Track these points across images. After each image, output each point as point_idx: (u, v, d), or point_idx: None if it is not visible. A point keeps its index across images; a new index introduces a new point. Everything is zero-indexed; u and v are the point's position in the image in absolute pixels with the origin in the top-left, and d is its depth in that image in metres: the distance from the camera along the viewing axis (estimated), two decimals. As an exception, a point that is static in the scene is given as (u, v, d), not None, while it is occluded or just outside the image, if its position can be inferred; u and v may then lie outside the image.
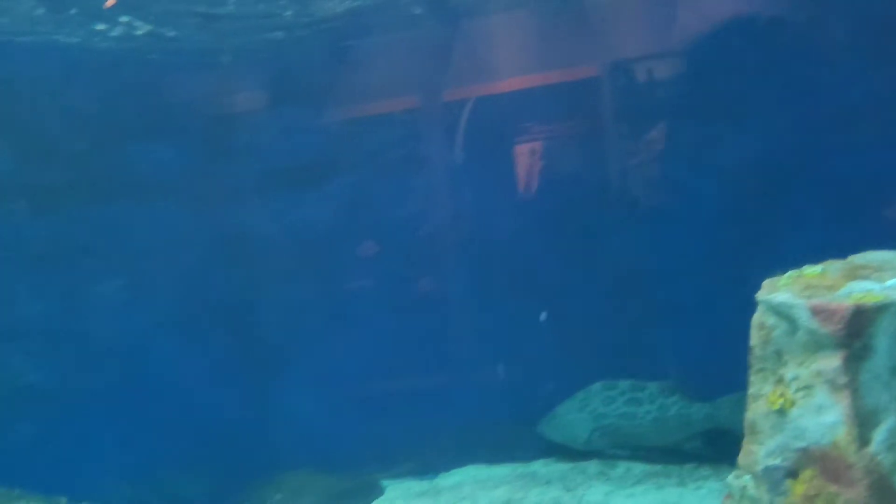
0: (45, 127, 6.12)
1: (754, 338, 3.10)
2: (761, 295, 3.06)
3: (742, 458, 3.15)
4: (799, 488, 2.81)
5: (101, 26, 5.84)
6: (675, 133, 6.67)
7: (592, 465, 6.53)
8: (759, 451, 3.01)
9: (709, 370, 6.22)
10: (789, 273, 3.16)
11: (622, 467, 6.37)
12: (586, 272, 7.07)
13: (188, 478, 6.39)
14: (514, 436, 7.20)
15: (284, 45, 6.84)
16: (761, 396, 3.03)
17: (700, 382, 6.29)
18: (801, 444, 2.83)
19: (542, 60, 7.08)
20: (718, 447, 6.09)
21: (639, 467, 6.29)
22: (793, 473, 2.88)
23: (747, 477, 3.12)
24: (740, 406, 5.89)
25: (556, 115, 7.34)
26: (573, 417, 6.65)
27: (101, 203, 6.43)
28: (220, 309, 7.08)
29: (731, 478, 3.22)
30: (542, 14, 6.93)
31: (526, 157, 7.59)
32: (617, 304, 6.98)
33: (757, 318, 3.10)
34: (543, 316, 7.06)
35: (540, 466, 6.79)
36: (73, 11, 5.38)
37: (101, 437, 6.11)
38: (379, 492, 6.65)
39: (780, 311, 2.93)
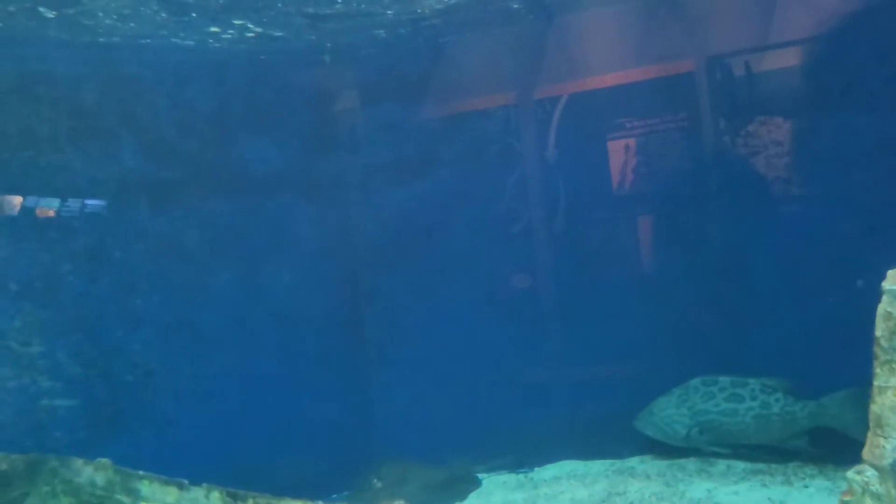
0: (163, 125, 6.45)
1: (880, 328, 3.04)
2: (888, 284, 2.99)
3: (867, 453, 3.09)
4: (931, 483, 2.75)
5: (215, 28, 6.12)
6: (781, 124, 6.52)
7: (691, 463, 6.45)
8: (886, 445, 2.96)
9: (814, 367, 6.07)
10: (915, 262, 3.08)
11: (722, 465, 6.27)
12: (687, 266, 6.99)
13: (292, 465, 6.62)
14: (609, 432, 7.17)
15: (386, 42, 7.01)
16: (888, 388, 2.97)
17: (804, 379, 6.14)
18: (933, 437, 2.77)
19: (640, 55, 7.02)
20: (823, 446, 5.94)
21: (740, 465, 6.18)
22: (924, 468, 2.82)
23: (871, 472, 3.06)
24: (848, 404, 5.79)
25: (656, 109, 7.27)
26: (671, 413, 6.57)
27: (215, 198, 6.72)
28: (328, 302, 7.31)
29: (851, 473, 3.16)
30: (639, 8, 6.88)
31: (625, 152, 7.54)
32: (718, 298, 6.87)
33: (883, 307, 3.04)
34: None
35: (636, 463, 6.74)
36: (192, 15, 5.68)
37: (213, 422, 6.40)
38: (476, 484, 6.72)
39: (911, 301, 2.86)
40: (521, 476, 6.92)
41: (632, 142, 7.56)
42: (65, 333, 5.73)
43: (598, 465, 6.83)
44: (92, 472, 5.02)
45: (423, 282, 7.57)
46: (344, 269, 7.47)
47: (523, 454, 7.31)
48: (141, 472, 4.75)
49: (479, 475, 6.99)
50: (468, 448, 7.20)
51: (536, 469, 7.12)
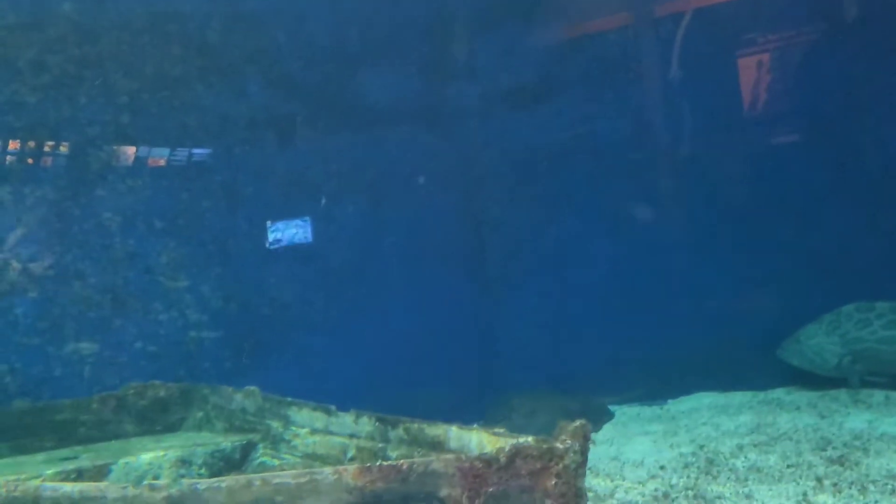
0: (286, 60, 6.42)
1: None
2: None
3: None
4: None
5: (333, -41, 5.99)
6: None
7: (843, 394, 6.10)
8: None
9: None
10: None
11: (880, 395, 5.90)
12: (836, 184, 6.51)
13: (423, 395, 6.66)
14: (748, 363, 6.87)
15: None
16: None
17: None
18: None
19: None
20: None
21: (900, 395, 5.80)
22: None
23: None
24: None
25: (793, 20, 6.74)
26: (820, 342, 6.21)
27: (337, 131, 6.69)
28: (450, 232, 7.24)
29: None
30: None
31: (757, 69, 7.06)
32: (873, 219, 6.39)
33: None
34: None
35: (781, 394, 6.44)
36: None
37: (345, 353, 6.47)
38: (609, 416, 6.59)
39: None
40: (654, 408, 6.74)
41: (766, 57, 7.06)
42: (206, 268, 5.87)
43: (738, 397, 6.56)
44: (242, 399, 5.15)
45: (547, 210, 7.37)
46: (465, 200, 7.34)
47: (655, 386, 7.12)
48: (289, 399, 4.83)
49: (612, 407, 6.86)
50: (598, 380, 7.07)
51: (670, 401, 6.92)
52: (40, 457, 4.32)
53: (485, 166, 7.46)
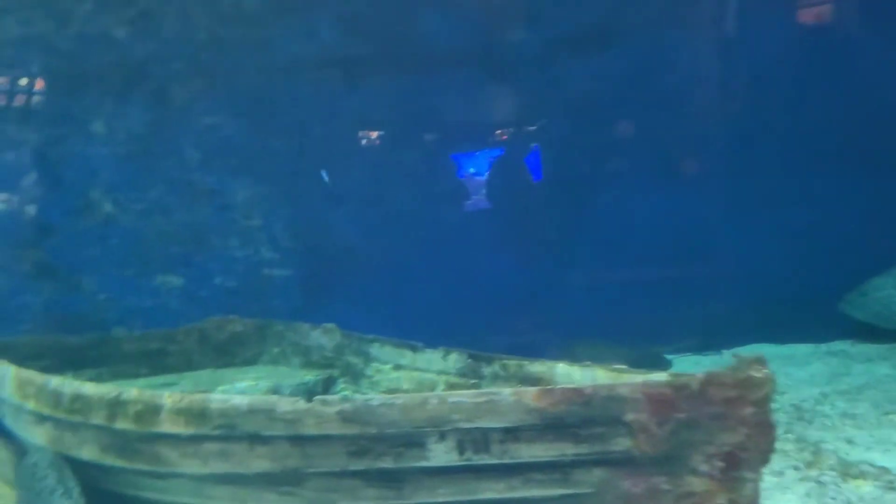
0: (356, 1, 6.38)
1: None
2: None
3: None
4: None
5: None
6: None
7: (914, 347, 6.09)
8: None
9: None
10: None
11: (954, 349, 5.89)
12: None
13: (485, 342, 6.72)
14: (806, 315, 6.86)
15: None
16: None
17: None
18: None
19: None
20: None
21: (978, 350, 5.80)
22: None
23: None
24: None
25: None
26: (890, 294, 6.19)
27: (402, 74, 6.66)
28: (509, 179, 7.24)
29: None
30: None
31: (818, 17, 6.93)
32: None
33: None
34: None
35: (846, 346, 6.43)
36: None
37: (409, 295, 6.55)
38: (666, 365, 6.63)
39: None
40: (713, 357, 6.78)
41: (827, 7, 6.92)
42: (278, 207, 5.94)
43: (801, 349, 6.57)
44: (319, 336, 5.25)
45: (608, 158, 7.34)
46: (522, 148, 7.32)
47: (711, 337, 7.15)
48: (370, 336, 4.92)
49: (668, 356, 6.90)
50: (653, 330, 7.10)
51: (724, 352, 6.95)
52: (140, 383, 4.46)
53: (545, 112, 7.41)
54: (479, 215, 7.01)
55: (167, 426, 2.71)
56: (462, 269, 6.75)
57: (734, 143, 7.25)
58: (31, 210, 4.84)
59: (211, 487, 2.66)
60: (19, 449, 3.56)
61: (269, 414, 2.44)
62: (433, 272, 6.61)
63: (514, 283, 7.13)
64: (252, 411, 2.47)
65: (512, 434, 2.06)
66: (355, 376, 4.85)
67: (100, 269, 5.09)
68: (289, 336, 5.36)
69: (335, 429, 2.30)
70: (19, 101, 4.80)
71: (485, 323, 6.74)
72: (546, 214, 7.44)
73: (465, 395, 2.10)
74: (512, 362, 4.08)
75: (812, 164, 6.88)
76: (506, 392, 2.05)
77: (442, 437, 2.15)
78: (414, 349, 4.58)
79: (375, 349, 4.88)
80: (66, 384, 3.16)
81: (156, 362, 5.01)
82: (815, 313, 6.79)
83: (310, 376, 4.82)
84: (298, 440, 2.39)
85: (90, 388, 3.05)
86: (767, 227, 7.00)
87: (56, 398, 3.16)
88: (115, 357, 4.79)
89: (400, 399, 2.19)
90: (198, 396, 2.67)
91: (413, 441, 2.19)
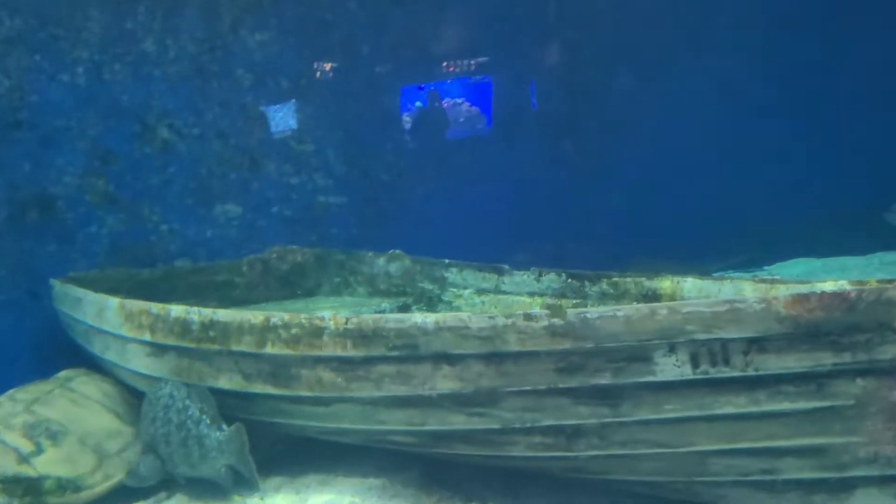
0: None
1: None
2: None
3: None
4: None
5: None
6: None
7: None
8: None
9: None
10: None
11: None
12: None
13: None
14: (851, 226, 6.81)
15: None
16: None
17: None
18: None
19: None
20: None
21: None
22: None
23: None
24: None
25: None
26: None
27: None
28: (545, 99, 7.03)
29: None
30: None
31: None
32: None
33: None
34: None
35: (879, 257, 6.41)
36: None
37: (459, 221, 6.38)
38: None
39: None
40: (759, 273, 6.74)
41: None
42: (330, 132, 5.70)
43: (849, 261, 6.54)
44: (385, 263, 5.11)
45: (646, 76, 7.12)
46: (562, 65, 7.08)
47: (751, 253, 7.11)
48: (446, 260, 4.78)
49: (715, 273, 6.85)
50: (694, 247, 7.03)
51: (766, 268, 6.91)
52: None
53: (583, 29, 7.14)
54: (517, 136, 6.80)
55: (330, 349, 2.56)
56: (516, 191, 6.59)
57: (774, 57, 7.08)
58: (92, 135, 4.57)
59: (384, 411, 2.54)
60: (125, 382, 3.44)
61: (459, 332, 2.30)
62: (476, 197, 6.44)
63: (561, 204, 6.98)
64: (440, 329, 2.33)
65: (757, 344, 1.93)
66: (431, 303, 4.72)
67: (161, 198, 4.86)
68: (350, 265, 5.21)
69: (542, 345, 2.16)
70: (71, 18, 4.47)
71: (529, 249, 6.62)
72: (581, 133, 7.24)
73: (701, 305, 1.97)
74: (625, 279, 3.98)
75: (859, 75, 6.75)
76: (751, 299, 1.91)
77: (672, 349, 2.02)
78: (500, 272, 4.45)
79: (452, 274, 4.75)
80: (194, 312, 3.00)
81: (223, 294, 4.86)
82: (858, 225, 6.75)
83: (385, 304, 4.68)
84: (495, 358, 2.26)
85: (227, 315, 2.89)
86: (807, 141, 6.90)
87: (182, 327, 3.00)
88: (183, 289, 4.62)
89: (622, 311, 2.06)
90: (367, 317, 2.52)
91: (637, 355, 2.06)
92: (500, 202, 6.53)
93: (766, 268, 6.96)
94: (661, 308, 2.01)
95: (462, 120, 6.98)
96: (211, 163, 5.12)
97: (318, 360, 2.61)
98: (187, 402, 2.83)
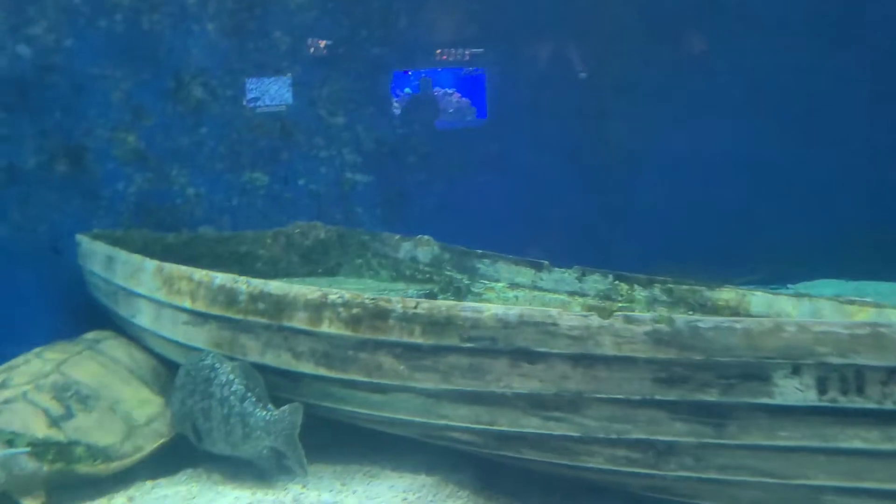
0: None
1: None
2: None
3: None
4: None
5: None
6: None
7: None
8: None
9: None
10: None
11: None
12: None
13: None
14: (878, 252, 6.68)
15: None
16: None
17: None
18: None
19: None
20: None
21: None
22: None
23: None
24: None
25: None
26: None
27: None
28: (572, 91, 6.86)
29: None
30: None
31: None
32: None
33: None
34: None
35: None
36: None
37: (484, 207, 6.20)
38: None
39: None
40: (781, 291, 6.60)
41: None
42: (362, 105, 5.51)
43: (875, 286, 6.41)
44: (412, 248, 4.93)
45: (678, 71, 6.93)
46: (591, 59, 6.87)
47: (776, 270, 6.96)
48: (479, 251, 4.60)
49: (732, 288, 6.70)
50: (717, 261, 6.88)
51: (790, 286, 6.77)
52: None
53: (615, 23, 6.94)
54: (542, 125, 6.61)
55: (395, 334, 2.39)
56: (537, 184, 6.40)
57: (807, 67, 6.92)
58: (125, 87, 4.36)
59: (448, 405, 2.37)
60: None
61: (547, 328, 2.13)
62: (513, 185, 6.25)
63: (582, 201, 6.81)
64: (524, 324, 2.16)
65: (901, 376, 1.77)
66: (459, 293, 4.53)
67: (190, 160, 4.66)
68: (374, 247, 5.03)
69: (642, 351, 2.00)
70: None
71: (556, 243, 6.45)
72: (605, 128, 7.05)
73: (837, 325, 1.80)
74: (681, 286, 3.82)
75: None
76: None
77: (796, 371, 1.86)
78: (538, 267, 4.27)
79: (485, 265, 4.57)
80: (242, 282, 2.82)
81: (246, 266, 4.67)
82: (892, 249, 6.61)
83: (412, 290, 4.50)
84: (585, 360, 2.09)
85: (279, 288, 2.71)
86: (841, 157, 6.75)
87: (228, 297, 2.82)
88: (206, 257, 4.43)
89: (742, 323, 1.89)
90: (441, 303, 2.35)
91: (753, 373, 1.90)
92: (521, 195, 6.35)
93: (790, 286, 6.80)
94: (789, 324, 1.85)
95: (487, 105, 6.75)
96: (242, 128, 4.92)
97: (380, 345, 2.44)
98: (231, 376, 2.65)
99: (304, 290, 2.64)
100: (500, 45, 6.34)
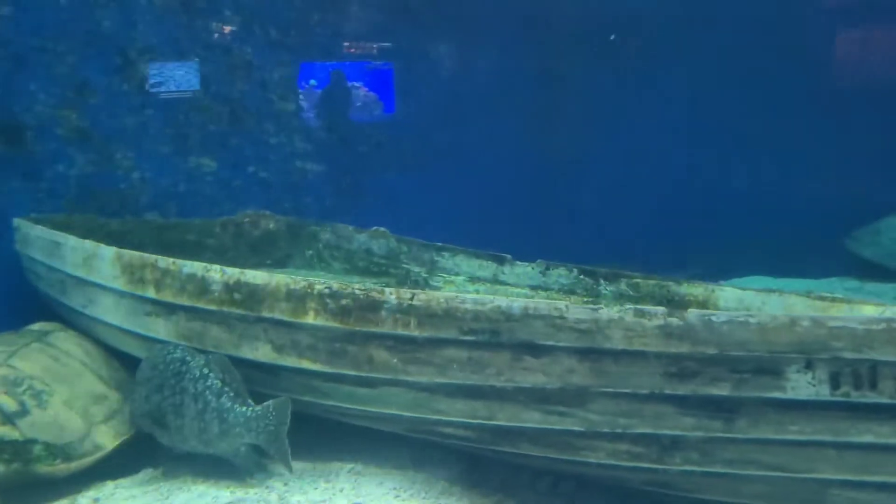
0: None
1: None
2: None
3: None
4: None
5: None
6: None
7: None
8: None
9: None
10: None
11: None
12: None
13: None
14: (809, 250, 6.90)
15: None
16: None
17: None
18: None
19: None
20: None
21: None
22: None
23: None
24: None
25: None
26: (905, 234, 6.28)
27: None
28: (520, 84, 6.86)
29: None
30: None
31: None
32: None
33: None
34: None
35: (853, 283, 6.52)
36: None
37: (434, 196, 6.11)
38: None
39: None
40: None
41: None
42: (312, 92, 5.37)
43: (802, 283, 6.63)
44: (367, 240, 4.83)
45: (625, 78, 7.01)
46: (541, 54, 6.88)
47: (711, 267, 7.13)
48: (438, 243, 4.53)
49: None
50: (650, 257, 7.00)
51: (721, 282, 6.93)
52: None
53: (570, 18, 6.96)
54: (495, 119, 6.57)
55: (389, 326, 2.30)
56: (493, 175, 6.35)
57: (752, 72, 7.10)
58: (70, 61, 4.08)
59: (443, 400, 2.29)
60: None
61: (552, 321, 2.08)
62: (451, 178, 6.19)
63: (530, 196, 6.81)
64: (528, 317, 2.10)
65: (913, 370, 1.79)
66: (416, 286, 4.44)
67: (136, 142, 4.41)
68: (325, 238, 4.92)
69: (652, 345, 1.97)
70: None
71: (509, 235, 6.42)
72: (551, 120, 7.06)
73: (852, 320, 1.81)
74: (648, 281, 3.83)
75: (832, 97, 6.83)
76: (909, 319, 1.76)
77: (808, 365, 1.86)
78: (499, 260, 4.24)
79: (445, 258, 4.52)
80: (215, 270, 2.66)
81: (193, 255, 4.45)
82: (816, 248, 6.84)
83: (368, 284, 4.39)
84: (592, 354, 2.05)
85: (258, 277, 2.57)
86: (772, 159, 6.95)
87: (199, 286, 2.66)
88: (152, 245, 4.21)
89: (756, 317, 1.88)
90: (439, 294, 2.27)
91: (765, 368, 1.89)
92: (476, 187, 6.29)
93: (721, 282, 6.96)
94: (803, 319, 1.85)
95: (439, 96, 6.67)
96: (189, 110, 4.70)
97: (371, 337, 2.34)
98: (206, 370, 2.50)
99: (286, 279, 2.51)
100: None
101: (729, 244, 6.92)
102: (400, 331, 2.28)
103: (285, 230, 4.92)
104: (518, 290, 4.13)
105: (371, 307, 2.33)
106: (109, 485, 2.55)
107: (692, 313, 1.94)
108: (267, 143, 5.14)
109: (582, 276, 3.95)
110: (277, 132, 5.21)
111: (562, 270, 3.99)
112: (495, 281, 4.25)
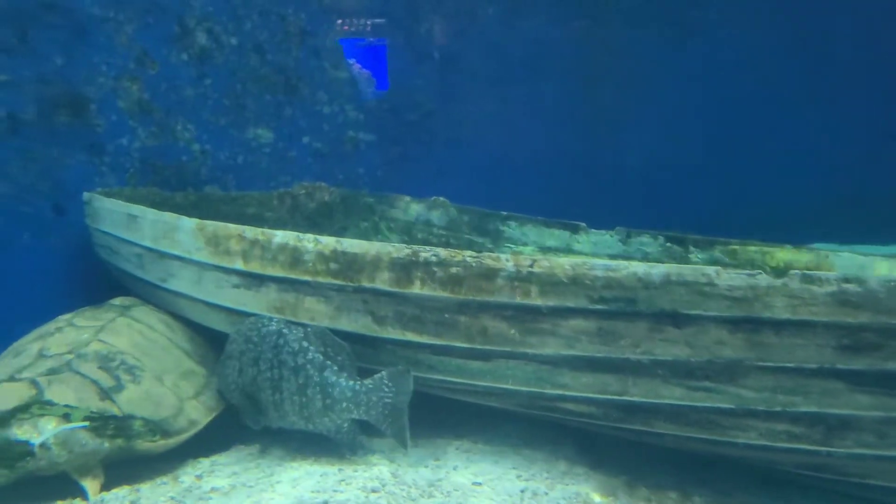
0: None
1: None
2: None
3: None
4: None
5: None
6: None
7: None
8: None
9: None
10: None
11: None
12: None
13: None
14: (873, 214, 6.66)
15: None
16: None
17: None
18: None
19: None
20: None
21: None
22: None
23: None
24: None
25: None
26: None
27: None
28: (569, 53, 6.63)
29: None
30: None
31: None
32: None
33: None
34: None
35: None
36: None
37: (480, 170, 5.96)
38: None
39: None
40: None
41: None
42: (363, 59, 5.19)
43: (880, 250, 6.40)
44: (424, 210, 4.68)
45: (672, 42, 6.75)
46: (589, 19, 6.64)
47: (766, 235, 6.90)
48: (503, 213, 4.36)
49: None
50: (708, 224, 6.78)
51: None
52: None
53: None
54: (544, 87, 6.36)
55: (506, 295, 2.13)
56: (541, 142, 6.16)
57: (807, 35, 6.83)
58: (129, 31, 3.93)
59: (568, 374, 2.13)
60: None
61: (700, 289, 1.90)
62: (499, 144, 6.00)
63: (579, 162, 6.59)
64: (670, 283, 1.93)
65: None
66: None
67: (195, 114, 4.27)
68: (381, 209, 4.76)
69: (823, 314, 1.79)
70: None
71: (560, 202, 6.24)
72: (601, 94, 6.83)
73: None
74: (747, 248, 3.62)
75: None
76: None
77: None
78: (573, 229, 4.05)
79: (511, 228, 4.34)
80: (309, 240, 2.51)
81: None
82: (880, 212, 6.60)
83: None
84: (748, 324, 1.88)
85: (357, 245, 2.42)
86: (837, 124, 6.70)
87: (291, 256, 2.51)
88: (213, 219, 4.10)
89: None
90: (563, 261, 2.10)
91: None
92: (523, 155, 6.10)
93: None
94: None
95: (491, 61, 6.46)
96: (246, 79, 4.55)
97: (485, 307, 2.18)
98: (305, 343, 2.35)
99: (387, 247, 2.35)
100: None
101: (785, 210, 6.70)
102: (519, 300, 2.12)
103: (340, 202, 4.77)
104: (597, 259, 3.95)
105: (485, 275, 2.17)
106: (204, 462, 2.44)
107: (874, 279, 1.75)
108: (320, 113, 4.98)
109: (669, 244, 3.75)
110: (330, 101, 5.04)
111: (645, 238, 3.80)
112: (569, 251, 4.07)
